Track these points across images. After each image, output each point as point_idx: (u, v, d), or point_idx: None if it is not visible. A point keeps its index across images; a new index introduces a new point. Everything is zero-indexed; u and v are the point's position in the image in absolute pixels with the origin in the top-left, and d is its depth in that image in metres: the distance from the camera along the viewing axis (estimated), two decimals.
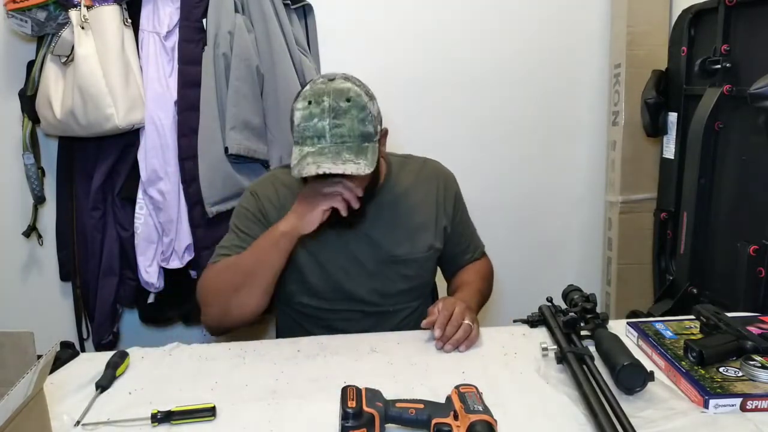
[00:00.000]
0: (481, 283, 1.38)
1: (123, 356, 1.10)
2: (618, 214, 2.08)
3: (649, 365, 1.01)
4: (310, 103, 1.12)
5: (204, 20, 1.73)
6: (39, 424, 0.78)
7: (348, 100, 1.12)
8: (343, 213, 1.13)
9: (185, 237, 1.81)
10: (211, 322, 1.23)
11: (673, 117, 1.82)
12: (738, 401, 0.90)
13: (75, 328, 1.96)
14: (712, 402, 0.90)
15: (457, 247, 1.40)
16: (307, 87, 1.16)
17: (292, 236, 1.15)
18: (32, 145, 1.87)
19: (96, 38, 1.68)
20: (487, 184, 2.13)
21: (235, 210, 1.32)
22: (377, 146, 1.16)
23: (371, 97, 1.16)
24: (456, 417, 0.82)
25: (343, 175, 1.12)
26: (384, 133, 1.25)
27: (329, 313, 1.30)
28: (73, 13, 1.67)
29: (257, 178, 1.38)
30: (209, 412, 0.92)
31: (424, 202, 1.33)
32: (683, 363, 1.00)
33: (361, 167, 1.10)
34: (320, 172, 1.08)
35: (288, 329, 1.37)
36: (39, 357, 0.76)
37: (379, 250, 1.28)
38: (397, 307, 1.33)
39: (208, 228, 1.76)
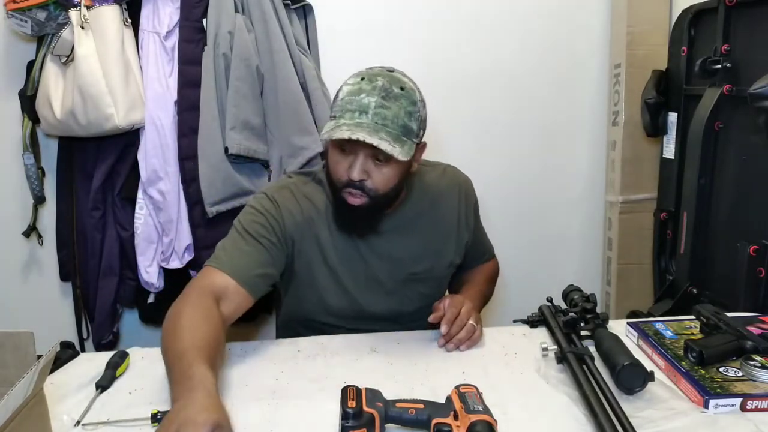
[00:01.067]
0: (485, 285, 1.38)
1: (123, 356, 1.10)
2: (618, 214, 2.08)
3: (649, 365, 1.02)
4: (362, 79, 1.08)
5: (204, 20, 1.73)
6: (39, 424, 0.78)
7: (402, 89, 1.08)
8: None
9: (185, 237, 1.81)
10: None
11: (673, 117, 1.82)
12: (738, 401, 0.90)
13: (75, 328, 1.96)
14: (712, 402, 0.90)
15: (473, 255, 1.39)
16: (364, 68, 1.13)
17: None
18: (32, 145, 1.87)
19: (96, 38, 1.67)
20: (487, 184, 2.11)
21: (245, 210, 1.19)
22: (414, 148, 1.10)
23: (423, 103, 1.13)
24: (456, 417, 0.82)
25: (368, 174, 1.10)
26: (422, 146, 1.18)
27: (344, 332, 1.24)
28: (73, 13, 1.67)
29: (274, 184, 1.26)
30: None
31: (445, 216, 1.28)
32: (683, 363, 1.01)
33: (396, 151, 1.04)
34: (354, 137, 1.02)
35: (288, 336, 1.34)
36: (39, 357, 0.76)
37: (398, 267, 1.24)
38: (411, 326, 1.29)
39: (208, 228, 1.76)
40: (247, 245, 1.13)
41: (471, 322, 1.14)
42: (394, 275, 1.24)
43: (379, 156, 1.08)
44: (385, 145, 1.03)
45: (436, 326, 1.37)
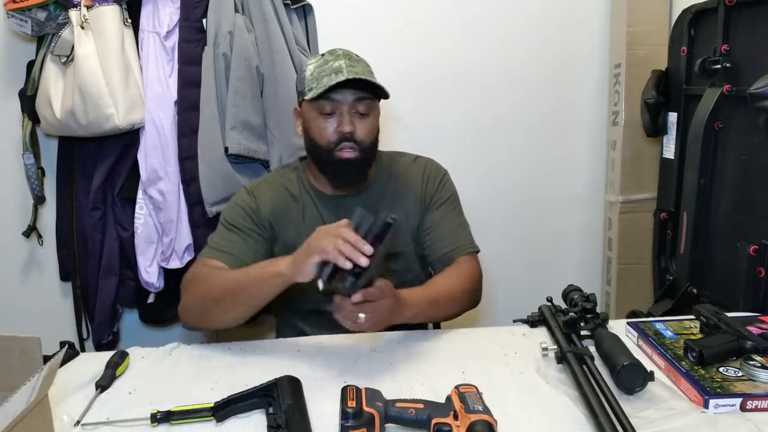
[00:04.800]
0: (444, 291, 1.22)
1: (123, 356, 1.11)
2: (618, 214, 2.08)
3: (649, 365, 1.02)
4: (323, 55, 1.23)
5: (204, 20, 1.73)
6: (41, 430, 0.78)
7: (358, 56, 1.25)
8: (345, 266, 0.97)
9: (185, 237, 1.81)
10: (187, 319, 1.20)
11: (673, 117, 1.82)
12: (738, 401, 0.90)
13: (75, 328, 1.96)
14: (712, 402, 0.90)
15: (437, 244, 1.29)
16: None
17: (287, 280, 1.07)
18: (32, 145, 1.87)
19: (96, 38, 1.67)
20: (486, 184, 2.13)
21: (227, 205, 1.34)
22: (384, 94, 1.23)
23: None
24: (456, 417, 0.82)
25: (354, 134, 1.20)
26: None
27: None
28: (73, 13, 1.67)
29: (253, 180, 1.38)
30: (209, 412, 0.92)
31: (407, 193, 1.33)
32: (683, 363, 1.01)
33: (382, 88, 1.19)
34: (343, 78, 1.15)
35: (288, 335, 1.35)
36: (46, 357, 0.76)
37: None
38: None
39: (208, 228, 1.76)
40: (231, 234, 1.26)
41: (361, 315, 1.03)
42: None
43: (359, 107, 1.21)
44: (370, 76, 1.19)
45: (437, 325, 1.37)
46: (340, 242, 0.97)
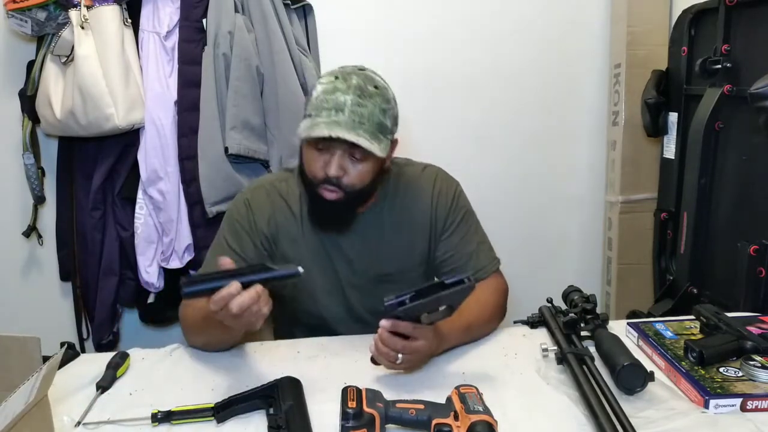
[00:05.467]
0: (476, 315, 1.16)
1: (123, 357, 1.11)
2: (618, 214, 2.08)
3: (649, 365, 1.02)
4: (336, 78, 1.10)
5: (204, 20, 1.73)
6: (41, 429, 0.78)
7: (376, 87, 1.11)
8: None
9: (185, 237, 1.81)
10: (190, 343, 1.19)
11: (673, 117, 1.82)
12: (738, 401, 0.90)
13: (75, 328, 1.96)
14: (712, 402, 0.90)
15: (458, 264, 1.24)
16: (336, 68, 1.15)
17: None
18: (32, 145, 1.87)
19: (96, 38, 1.67)
20: (486, 185, 2.12)
21: (226, 215, 1.27)
22: (389, 146, 1.13)
23: (395, 101, 1.16)
24: (456, 417, 0.82)
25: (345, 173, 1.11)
26: (394, 143, 1.19)
27: (333, 333, 1.26)
28: (73, 13, 1.67)
29: (254, 183, 1.32)
30: (210, 413, 0.92)
31: (416, 215, 1.25)
32: (683, 363, 1.01)
33: (375, 147, 1.07)
34: (333, 135, 1.04)
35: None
36: (45, 358, 0.76)
37: (366, 268, 1.23)
38: None
39: (208, 228, 1.76)
40: (230, 251, 1.18)
41: (400, 356, 0.99)
42: (364, 276, 1.24)
43: (355, 153, 1.10)
44: (364, 142, 1.06)
45: None
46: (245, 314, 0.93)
